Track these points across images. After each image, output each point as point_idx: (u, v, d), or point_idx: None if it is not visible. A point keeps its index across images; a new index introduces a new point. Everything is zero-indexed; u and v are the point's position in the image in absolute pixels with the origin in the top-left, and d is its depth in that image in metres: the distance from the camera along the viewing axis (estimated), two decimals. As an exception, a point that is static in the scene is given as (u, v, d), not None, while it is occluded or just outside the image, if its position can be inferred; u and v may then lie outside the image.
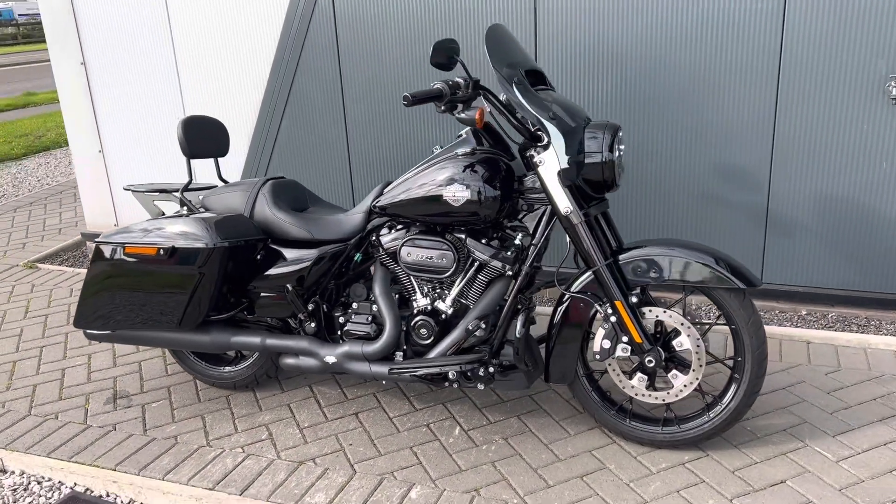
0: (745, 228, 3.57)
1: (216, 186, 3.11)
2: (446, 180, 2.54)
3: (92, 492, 2.68)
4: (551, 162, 2.44)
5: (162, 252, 2.74)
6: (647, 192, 3.69)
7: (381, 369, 2.73)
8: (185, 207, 3.03)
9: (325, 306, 2.89)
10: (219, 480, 2.61)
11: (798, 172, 3.42)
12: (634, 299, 2.48)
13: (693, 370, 2.49)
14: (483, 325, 2.60)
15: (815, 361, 3.14)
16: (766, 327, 3.41)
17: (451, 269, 2.61)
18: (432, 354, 2.68)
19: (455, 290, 2.69)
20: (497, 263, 2.60)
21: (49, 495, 2.67)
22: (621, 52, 3.53)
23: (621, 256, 2.52)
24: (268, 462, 2.70)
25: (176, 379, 3.35)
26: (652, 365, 2.48)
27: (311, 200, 3.08)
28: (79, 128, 4.84)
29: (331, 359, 2.80)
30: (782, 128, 3.38)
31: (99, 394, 3.26)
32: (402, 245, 2.67)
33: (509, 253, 2.60)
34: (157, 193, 3.11)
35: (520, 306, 2.68)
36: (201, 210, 3.02)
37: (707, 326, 2.56)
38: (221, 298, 2.88)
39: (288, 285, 2.81)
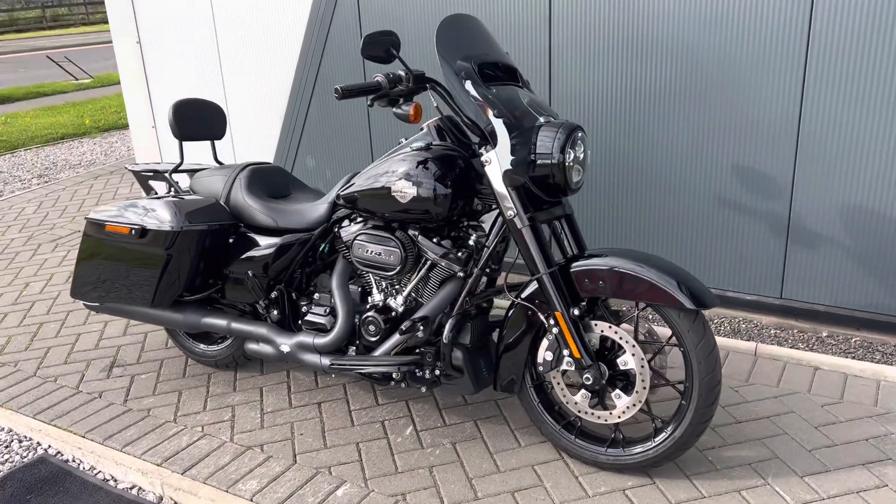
0: (765, 237, 3.28)
1: (206, 168, 3.17)
2: (396, 175, 2.47)
3: (62, 455, 2.83)
4: (496, 162, 2.33)
5: (133, 232, 2.83)
6: (660, 193, 3.46)
7: (327, 363, 2.72)
8: (172, 189, 3.12)
9: (293, 294, 2.90)
10: (168, 457, 2.68)
11: (824, 178, 3.10)
12: (577, 311, 2.33)
13: (636, 392, 2.32)
14: (421, 327, 2.52)
15: (816, 390, 2.85)
16: (774, 347, 3.13)
17: (398, 268, 2.54)
18: (378, 352, 2.64)
19: (408, 289, 2.63)
20: (447, 264, 2.51)
21: (24, 454, 2.84)
22: (637, 41, 3.31)
23: (574, 265, 2.37)
24: (219, 444, 2.75)
25: (172, 353, 3.47)
26: (590, 382, 2.32)
27: (294, 187, 3.08)
28: (135, 103, 5.09)
29: (286, 348, 2.81)
30: (808, 127, 3.07)
31: (100, 361, 3.43)
32: (354, 239, 2.63)
33: (460, 254, 2.51)
34: (151, 174, 3.21)
35: (473, 310, 2.59)
36: (189, 192, 3.09)
37: (659, 346, 2.37)
38: (196, 279, 2.95)
39: (249, 271, 2.83)
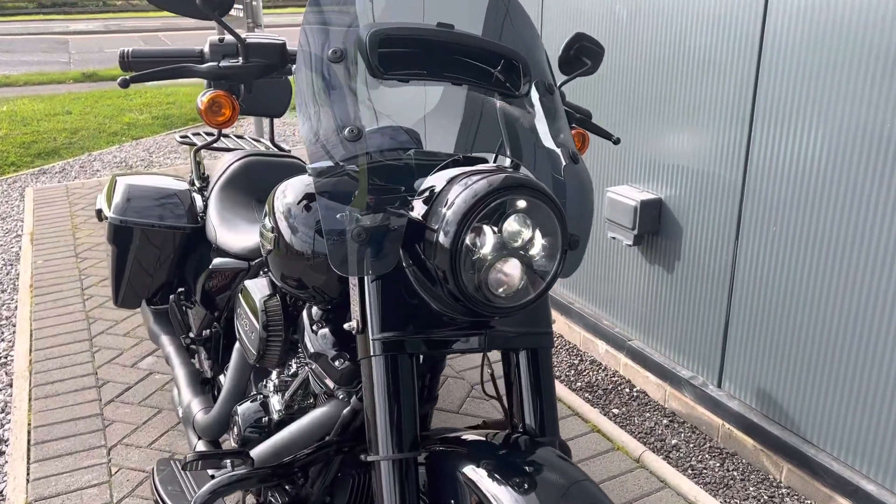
0: None
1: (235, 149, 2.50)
2: (270, 210, 1.50)
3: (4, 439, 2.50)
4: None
5: (96, 212, 2.32)
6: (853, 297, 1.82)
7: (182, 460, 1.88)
8: (199, 167, 2.53)
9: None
10: (47, 497, 2.16)
11: None
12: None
13: None
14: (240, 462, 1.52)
15: None
16: None
17: (255, 354, 1.59)
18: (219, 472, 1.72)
19: (290, 390, 1.65)
20: (318, 370, 1.49)
21: (-12, 428, 2.59)
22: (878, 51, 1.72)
23: (460, 464, 1.17)
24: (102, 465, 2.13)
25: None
26: None
27: None
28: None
29: (179, 409, 2.04)
30: None
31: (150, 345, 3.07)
32: (238, 292, 1.73)
33: (338, 363, 1.45)
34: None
35: (363, 457, 1.52)
36: (207, 176, 2.48)
37: None
38: (160, 286, 2.33)
39: (171, 295, 2.12)
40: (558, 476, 1.13)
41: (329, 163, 1.18)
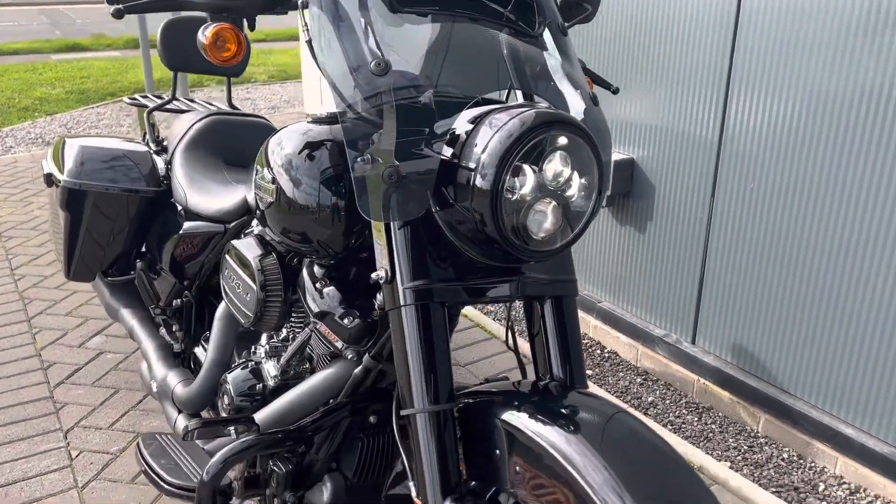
0: None
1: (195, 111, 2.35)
2: (265, 162, 1.40)
3: None
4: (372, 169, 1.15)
5: (44, 177, 2.14)
6: (846, 268, 1.87)
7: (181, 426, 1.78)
8: (153, 129, 2.37)
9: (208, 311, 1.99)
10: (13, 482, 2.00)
11: None
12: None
13: None
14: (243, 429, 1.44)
15: None
16: None
17: (252, 316, 1.50)
18: (211, 445, 1.62)
19: (287, 354, 1.57)
20: (325, 330, 1.41)
21: None
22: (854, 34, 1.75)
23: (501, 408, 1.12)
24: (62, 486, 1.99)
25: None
26: None
27: None
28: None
29: (154, 383, 1.92)
30: None
31: (99, 323, 2.88)
32: (225, 253, 1.63)
33: (347, 321, 1.38)
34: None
35: (373, 419, 1.45)
36: (162, 139, 2.33)
37: None
38: (119, 255, 2.18)
39: (139, 261, 1.99)
40: (596, 412, 1.10)
41: (353, 101, 1.10)
